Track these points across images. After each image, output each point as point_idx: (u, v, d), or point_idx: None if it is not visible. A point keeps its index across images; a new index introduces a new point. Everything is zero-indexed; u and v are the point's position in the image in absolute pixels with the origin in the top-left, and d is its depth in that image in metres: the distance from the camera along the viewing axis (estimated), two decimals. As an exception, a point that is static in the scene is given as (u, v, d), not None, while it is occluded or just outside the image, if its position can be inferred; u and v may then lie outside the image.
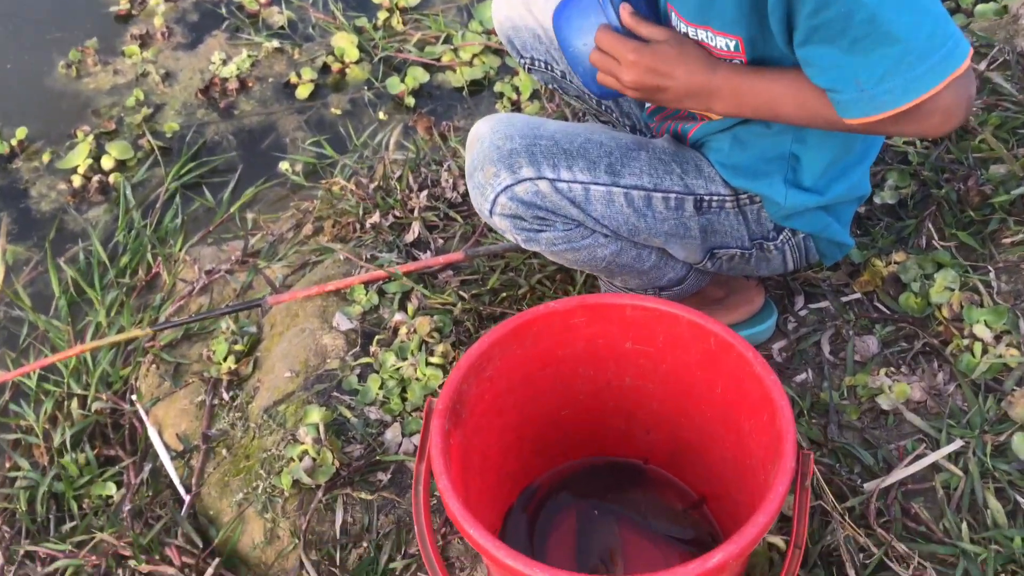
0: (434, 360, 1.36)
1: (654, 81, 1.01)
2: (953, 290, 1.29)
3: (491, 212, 1.10)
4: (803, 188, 1.12)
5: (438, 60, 2.16)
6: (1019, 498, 1.10)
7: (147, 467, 1.46)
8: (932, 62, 0.88)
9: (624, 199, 1.09)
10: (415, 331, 1.40)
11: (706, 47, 1.01)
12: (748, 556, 0.96)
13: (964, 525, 1.08)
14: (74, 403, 1.61)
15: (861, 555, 1.08)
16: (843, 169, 1.10)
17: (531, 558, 0.98)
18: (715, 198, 1.12)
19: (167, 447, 1.46)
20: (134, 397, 1.55)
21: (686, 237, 1.14)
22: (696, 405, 1.05)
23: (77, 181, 2.01)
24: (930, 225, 1.40)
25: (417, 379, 1.35)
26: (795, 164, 1.10)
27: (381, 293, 1.50)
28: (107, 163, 2.03)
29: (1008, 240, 1.34)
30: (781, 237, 1.16)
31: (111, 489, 1.47)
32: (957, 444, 1.15)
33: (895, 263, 1.36)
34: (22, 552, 1.41)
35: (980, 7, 2.13)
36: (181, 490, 1.39)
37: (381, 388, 1.36)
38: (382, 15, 2.28)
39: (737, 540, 0.80)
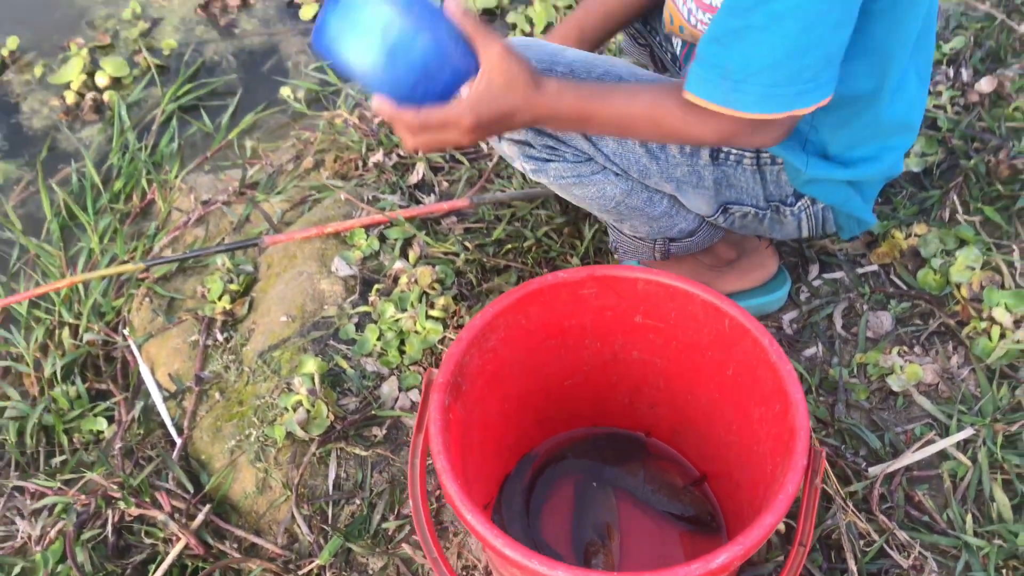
0: (434, 313, 1.32)
1: (437, 146, 0.92)
2: (974, 269, 1.25)
3: (500, 136, 1.05)
4: (826, 158, 1.06)
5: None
6: (1027, 492, 1.08)
7: (139, 404, 1.44)
8: (797, 89, 0.87)
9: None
10: (416, 281, 1.35)
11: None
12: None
13: (968, 517, 1.06)
14: (65, 332, 1.57)
15: (861, 542, 1.06)
16: (876, 151, 1.04)
17: (527, 534, 0.96)
18: (732, 151, 1.07)
19: (159, 386, 1.43)
20: (126, 331, 1.52)
21: (699, 187, 1.08)
22: (705, 385, 1.02)
23: (70, 97, 1.94)
24: (955, 197, 1.34)
25: (416, 332, 1.31)
26: (813, 136, 1.05)
27: (382, 238, 1.45)
28: (102, 80, 1.95)
29: (1036, 219, 1.30)
30: (800, 204, 1.11)
31: (102, 424, 1.45)
32: (967, 432, 1.12)
33: (916, 235, 1.31)
34: (10, 486, 1.40)
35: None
36: (173, 432, 1.36)
37: (379, 339, 1.32)
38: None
39: (742, 541, 0.77)
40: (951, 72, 1.48)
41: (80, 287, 1.61)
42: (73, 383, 1.50)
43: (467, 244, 1.42)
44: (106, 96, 1.93)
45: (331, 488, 1.21)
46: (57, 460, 1.42)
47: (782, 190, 1.10)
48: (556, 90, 0.91)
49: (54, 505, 1.34)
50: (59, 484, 1.35)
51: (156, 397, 1.41)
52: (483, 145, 1.61)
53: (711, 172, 1.07)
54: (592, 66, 1.04)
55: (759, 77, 0.87)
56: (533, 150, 1.07)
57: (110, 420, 1.46)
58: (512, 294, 0.95)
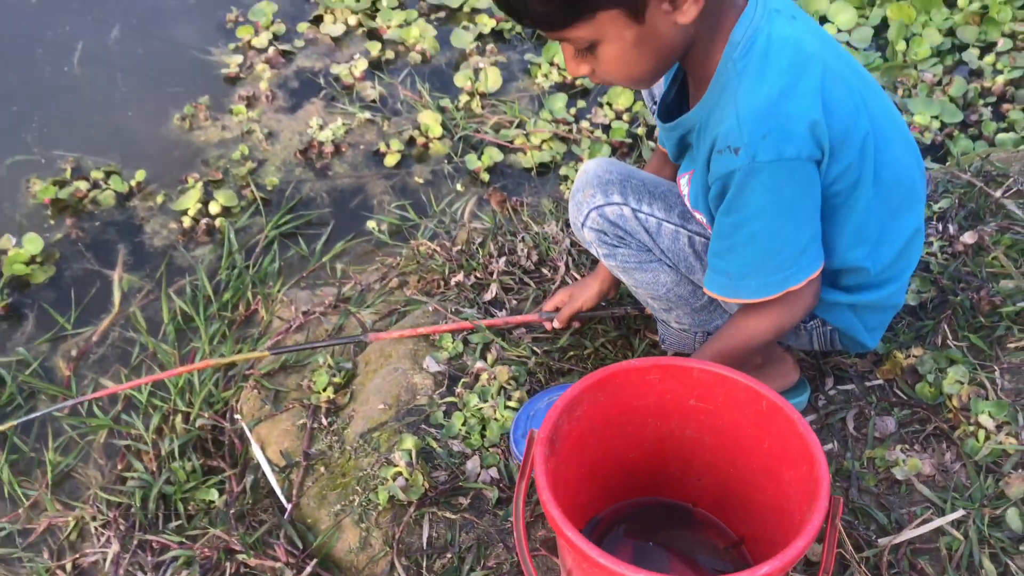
0: (511, 404, 1.58)
1: None
2: (963, 383, 1.51)
3: (583, 224, 1.39)
4: (832, 287, 1.35)
5: (511, 142, 2.43)
6: (1010, 562, 1.30)
7: (248, 478, 1.68)
8: (784, 275, 1.20)
9: (687, 240, 1.37)
10: (495, 378, 1.62)
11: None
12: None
13: (961, 580, 1.29)
14: (179, 418, 1.83)
15: (874, 598, 1.28)
16: (878, 281, 1.33)
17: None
18: None
19: (269, 461, 1.67)
20: (238, 416, 1.77)
21: None
22: (745, 457, 1.26)
23: (187, 222, 2.26)
24: (946, 326, 1.62)
25: (495, 419, 1.57)
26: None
27: (465, 342, 1.73)
28: (214, 208, 2.28)
29: (1013, 345, 1.57)
30: (812, 323, 1.39)
31: (214, 495, 1.68)
32: (959, 513, 1.35)
33: (914, 356, 1.58)
34: (136, 541, 1.62)
35: (1001, 136, 2.40)
36: (283, 499, 1.60)
37: (464, 424, 1.58)
38: (463, 98, 2.55)
39: (781, 558, 1.00)
40: (940, 227, 1.79)
41: (195, 378, 1.88)
42: (188, 459, 1.75)
43: (536, 350, 1.70)
44: (217, 222, 2.26)
45: (425, 544, 1.44)
46: (174, 524, 1.65)
47: None
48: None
49: (177, 558, 1.56)
50: (183, 539, 1.58)
51: (266, 468, 1.65)
52: (546, 271, 1.91)
53: None
54: (659, 184, 1.38)
55: (751, 276, 1.22)
56: (607, 237, 1.39)
57: (220, 491, 1.69)
58: (596, 374, 1.22)
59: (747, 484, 1.28)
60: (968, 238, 1.73)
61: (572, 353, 1.70)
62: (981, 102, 2.58)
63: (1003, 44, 2.77)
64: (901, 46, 2.78)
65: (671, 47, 1.16)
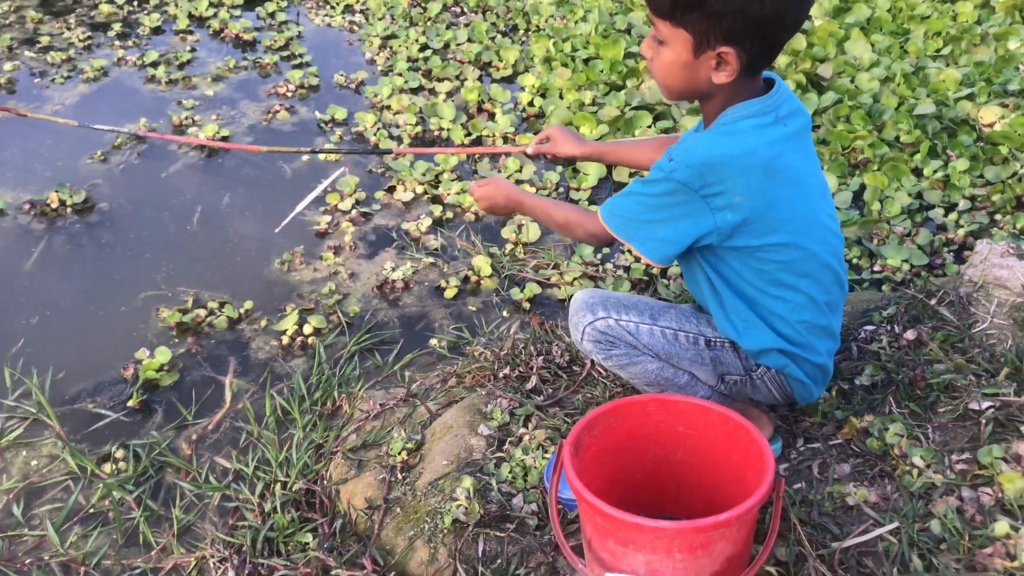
0: (547, 457, 2.01)
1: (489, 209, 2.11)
2: (902, 436, 1.92)
3: (581, 339, 1.85)
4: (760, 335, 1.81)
5: (548, 280, 2.96)
6: (934, 559, 1.68)
7: (337, 523, 2.10)
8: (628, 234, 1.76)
9: (660, 333, 1.82)
10: (534, 438, 2.06)
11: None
12: (749, 525, 1.55)
13: (895, 572, 1.66)
14: (278, 486, 2.28)
15: (827, 584, 1.65)
16: (797, 338, 1.79)
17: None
18: (717, 340, 1.82)
19: (354, 508, 2.10)
20: (327, 475, 2.22)
21: (703, 364, 1.83)
22: (720, 470, 1.68)
23: (285, 340, 2.79)
24: (891, 398, 2.05)
25: (535, 468, 2.00)
26: (744, 329, 1.81)
27: (511, 414, 2.18)
28: (307, 329, 2.81)
29: (942, 409, 1.99)
30: (760, 370, 1.84)
31: (308, 538, 2.11)
32: (895, 525, 1.74)
33: (866, 421, 2.00)
34: (248, 570, 2.03)
35: (951, 266, 2.88)
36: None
37: (510, 472, 2.01)
38: (509, 246, 3.12)
39: (740, 507, 1.42)
40: (889, 327, 2.25)
41: (292, 455, 2.34)
42: (288, 512, 2.18)
43: (567, 421, 2.14)
44: (310, 340, 2.78)
45: (480, 555, 1.84)
46: (279, 562, 2.07)
47: (749, 362, 1.84)
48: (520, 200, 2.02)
49: (284, 577, 1.98)
50: (288, 562, 1.99)
51: (351, 514, 2.08)
52: (576, 368, 2.38)
53: (708, 354, 1.83)
54: (630, 298, 1.89)
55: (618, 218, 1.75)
56: (601, 344, 1.85)
57: (314, 535, 2.11)
58: (608, 404, 1.67)
59: (721, 493, 1.69)
60: (910, 335, 2.19)
61: (596, 423, 2.14)
62: (945, 249, 3.08)
63: (963, 204, 3.31)
64: (876, 206, 3.32)
65: (698, 87, 1.69)
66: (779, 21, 1.59)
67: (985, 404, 1.92)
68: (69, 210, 3.39)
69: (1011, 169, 3.40)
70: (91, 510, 2.27)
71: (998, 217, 3.20)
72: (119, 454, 2.42)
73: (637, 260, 3.04)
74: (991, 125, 3.63)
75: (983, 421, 1.90)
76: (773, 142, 1.64)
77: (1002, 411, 1.91)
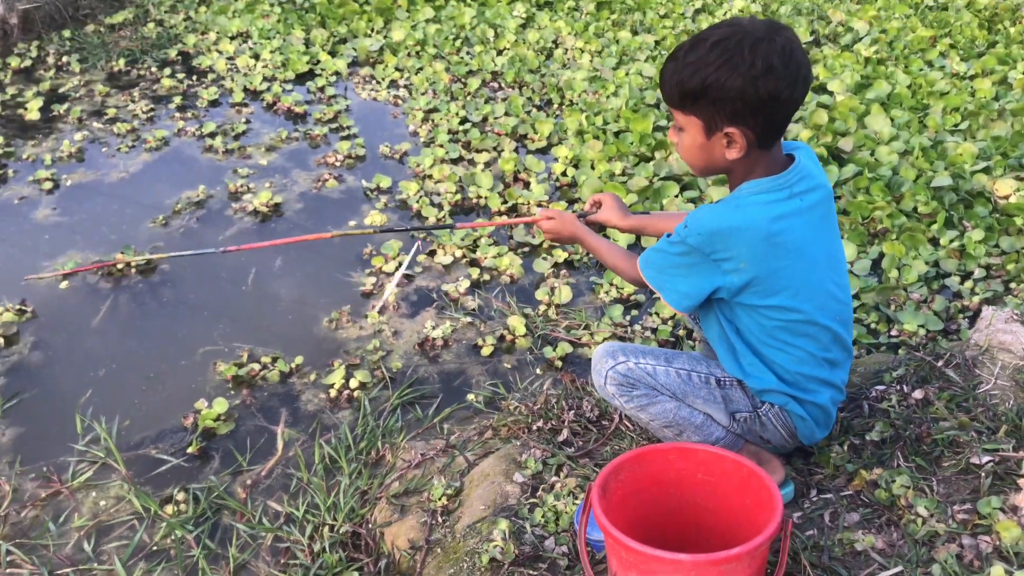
0: (577, 502, 2.18)
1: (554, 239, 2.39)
2: (908, 488, 2.06)
3: (604, 382, 2.05)
4: (764, 376, 1.99)
5: (579, 339, 3.15)
6: (935, 601, 1.81)
7: (382, 562, 2.27)
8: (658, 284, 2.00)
9: (676, 374, 2.01)
10: (566, 486, 2.23)
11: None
12: (760, 560, 1.70)
13: (898, 610, 1.79)
14: (326, 528, 2.45)
15: (834, 621, 1.79)
16: (797, 381, 1.97)
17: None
18: (726, 379, 2.00)
19: (398, 548, 2.27)
20: (372, 519, 2.39)
21: (715, 402, 2.00)
22: (735, 513, 1.84)
23: (333, 393, 2.99)
24: (899, 453, 2.20)
25: (566, 512, 2.16)
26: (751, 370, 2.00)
27: (544, 464, 2.35)
28: (353, 383, 3.01)
29: (946, 463, 2.13)
30: (765, 407, 2.01)
31: (355, 575, 2.28)
32: (899, 569, 1.88)
33: (875, 473, 2.15)
34: (301, 603, 2.20)
35: (966, 332, 3.02)
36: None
37: (543, 516, 2.17)
38: (542, 307, 3.32)
39: (751, 543, 1.57)
40: (898, 386, 2.40)
41: (340, 499, 2.52)
42: (335, 552, 2.35)
43: (595, 470, 2.31)
44: (356, 393, 2.98)
45: (514, 591, 2.00)
46: (327, 594, 2.24)
47: (755, 399, 2.01)
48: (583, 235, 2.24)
49: (332, 610, 2.14)
50: (337, 596, 2.16)
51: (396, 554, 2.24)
52: (605, 422, 2.55)
53: (720, 392, 2.01)
54: (645, 347, 2.07)
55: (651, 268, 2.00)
56: (623, 388, 2.05)
57: (360, 574, 2.28)
58: (632, 451, 1.84)
59: (736, 535, 1.84)
60: (918, 394, 2.34)
61: (622, 473, 2.30)
62: (960, 316, 3.23)
63: (979, 273, 3.46)
64: (894, 273, 3.48)
65: (717, 164, 1.92)
66: (775, 100, 1.80)
67: (985, 459, 2.06)
68: (133, 271, 3.65)
69: (1025, 239, 3.55)
70: (154, 548, 2.46)
71: (1013, 285, 3.34)
72: (180, 496, 2.61)
73: (664, 322, 3.22)
74: (1006, 197, 3.79)
75: (983, 474, 2.04)
76: (781, 216, 1.84)
77: (1001, 465, 2.05)
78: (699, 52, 1.80)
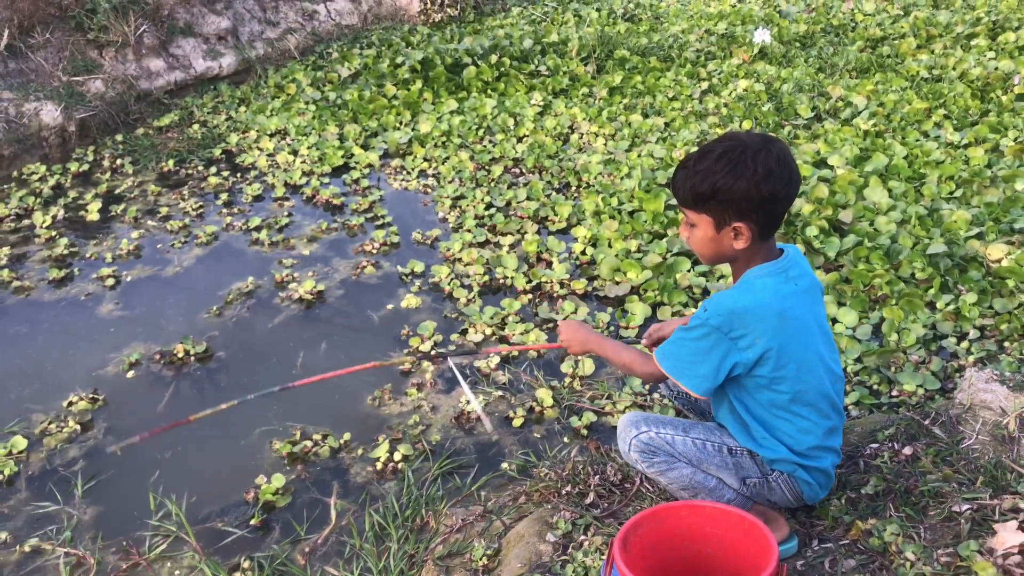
0: (603, 557, 2.44)
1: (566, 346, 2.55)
2: (898, 535, 2.31)
3: (628, 450, 2.33)
4: (775, 447, 2.25)
5: (603, 408, 3.43)
6: (921, 635, 2.05)
7: (430, 617, 2.54)
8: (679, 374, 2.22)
9: (692, 443, 2.28)
10: (593, 543, 2.50)
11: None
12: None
13: (888, 643, 2.03)
14: (378, 589, 2.73)
15: (832, 655, 2.03)
16: (804, 451, 2.23)
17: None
18: (737, 448, 2.27)
19: (444, 604, 2.53)
20: (422, 580, 2.66)
21: (727, 468, 2.27)
22: (740, 561, 2.09)
23: (379, 466, 3.28)
24: (891, 504, 2.45)
25: (594, 567, 2.42)
26: (763, 441, 2.26)
27: (573, 524, 2.62)
28: (397, 456, 3.30)
29: (932, 512, 2.38)
30: (774, 474, 2.27)
31: (407, 630, 2.54)
32: (890, 607, 2.12)
33: (870, 523, 2.40)
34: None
35: (935, 402, 3.27)
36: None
37: (573, 571, 2.43)
38: (567, 380, 3.61)
39: (747, 589, 1.83)
40: (890, 444, 2.66)
41: (390, 563, 2.79)
42: (389, 610, 2.62)
43: (620, 527, 2.57)
44: (400, 465, 3.27)
45: (550, 638, 2.26)
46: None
47: (765, 468, 2.27)
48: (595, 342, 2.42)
49: (388, 662, 2.40)
50: (392, 649, 2.42)
51: (444, 608, 2.51)
52: (628, 485, 2.81)
53: (732, 460, 2.27)
54: (665, 417, 2.35)
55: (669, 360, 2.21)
56: (645, 455, 2.32)
57: (411, 629, 2.54)
58: (648, 509, 2.12)
59: (744, 580, 2.10)
60: (907, 451, 2.59)
61: (643, 530, 2.56)
62: (957, 375, 3.47)
63: (974, 334, 3.71)
64: (894, 337, 3.74)
65: (725, 253, 2.22)
66: (775, 198, 2.13)
67: (965, 506, 2.31)
68: (192, 358, 3.99)
69: (1017, 300, 3.81)
70: (226, 611, 2.74)
71: (1006, 344, 3.59)
72: (246, 564, 2.90)
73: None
74: (999, 261, 4.06)
75: (963, 520, 2.29)
76: (785, 296, 2.16)
77: (979, 512, 2.30)
78: (707, 162, 2.14)
